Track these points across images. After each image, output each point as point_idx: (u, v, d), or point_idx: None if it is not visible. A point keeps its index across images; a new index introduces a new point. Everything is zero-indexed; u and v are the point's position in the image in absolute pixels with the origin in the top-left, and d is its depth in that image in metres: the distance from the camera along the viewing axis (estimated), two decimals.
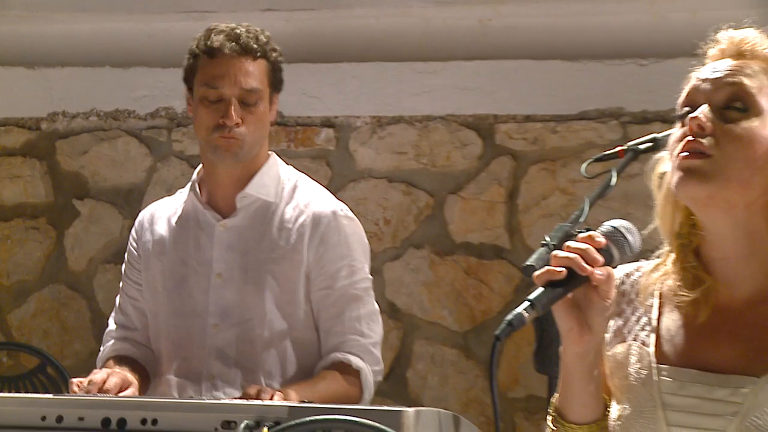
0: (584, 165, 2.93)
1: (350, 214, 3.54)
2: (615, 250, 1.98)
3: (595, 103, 4.37)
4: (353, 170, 4.58)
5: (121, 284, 3.68)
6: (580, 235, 2.00)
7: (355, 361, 3.39)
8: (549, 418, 2.12)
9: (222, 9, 4.49)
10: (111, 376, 3.24)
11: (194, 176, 3.60)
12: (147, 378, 3.56)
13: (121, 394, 3.26)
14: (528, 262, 3.00)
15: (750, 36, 2.07)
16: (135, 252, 3.63)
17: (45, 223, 4.89)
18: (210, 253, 3.50)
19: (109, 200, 4.80)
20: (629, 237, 2.00)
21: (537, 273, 1.97)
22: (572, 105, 4.39)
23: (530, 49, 4.43)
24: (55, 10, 4.80)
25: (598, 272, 1.95)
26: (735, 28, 2.09)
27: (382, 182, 4.56)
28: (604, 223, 2.02)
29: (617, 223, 2.02)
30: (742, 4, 2.19)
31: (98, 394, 3.19)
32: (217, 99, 3.41)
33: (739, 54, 2.04)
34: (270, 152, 3.60)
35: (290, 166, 3.64)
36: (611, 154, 2.94)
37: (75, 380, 3.22)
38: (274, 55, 3.49)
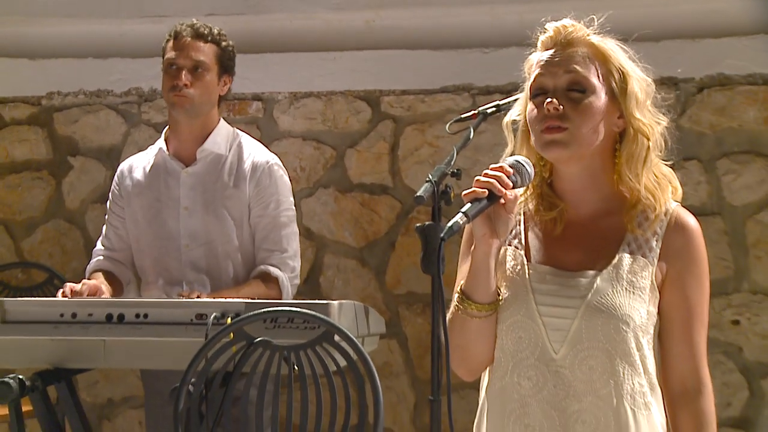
0: (448, 125, 2.86)
1: (279, 162, 3.61)
2: (518, 177, 2.00)
3: (452, 80, 4.40)
4: (277, 132, 4.58)
5: (106, 217, 3.71)
6: (494, 165, 2.00)
7: (274, 271, 3.46)
8: (456, 297, 2.08)
9: (175, 14, 4.37)
10: (87, 283, 3.29)
11: (162, 136, 3.64)
12: (120, 285, 3.62)
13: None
14: (417, 193, 3.06)
15: (569, 24, 2.07)
16: (118, 193, 3.66)
17: (47, 174, 4.83)
18: (177, 191, 3.55)
19: (95, 157, 4.77)
20: (528, 168, 2.02)
21: (466, 191, 1.95)
22: (435, 82, 4.42)
23: (404, 42, 4.44)
24: (49, 15, 4.73)
25: (509, 193, 1.96)
26: (555, 20, 2.09)
27: (298, 140, 4.56)
28: (509, 158, 2.05)
29: (518, 157, 2.04)
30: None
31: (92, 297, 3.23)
32: (174, 67, 3.48)
33: (567, 42, 2.05)
34: (220, 118, 3.64)
35: (234, 128, 3.68)
36: (467, 117, 2.90)
37: (61, 290, 3.27)
38: (224, 43, 3.55)
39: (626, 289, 2.01)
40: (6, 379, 2.85)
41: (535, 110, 2.05)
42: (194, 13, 4.40)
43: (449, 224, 1.90)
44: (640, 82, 2.08)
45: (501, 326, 2.07)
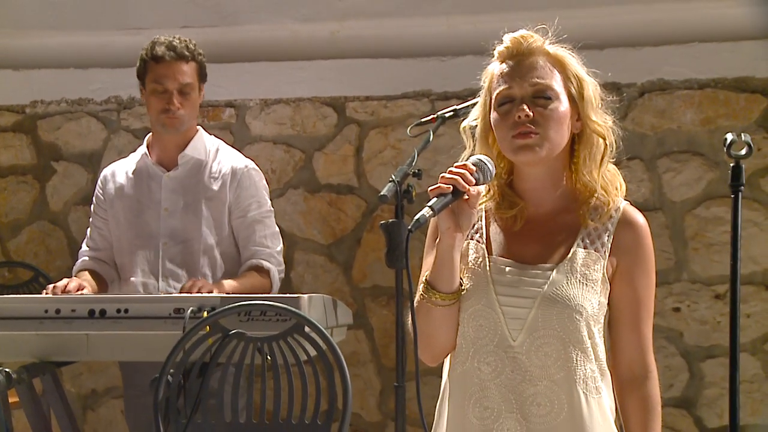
0: (409, 128, 2.87)
1: (256, 167, 3.61)
2: (480, 175, 1.99)
3: (412, 86, 4.36)
4: (249, 136, 4.53)
5: (90, 219, 3.68)
6: (458, 163, 2.00)
7: (266, 264, 3.46)
8: (421, 286, 2.07)
9: (152, 26, 4.34)
10: (70, 282, 3.26)
11: (144, 143, 3.62)
12: (104, 283, 3.58)
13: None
14: (381, 193, 2.96)
15: (527, 35, 2.06)
16: (101, 197, 3.63)
17: (31, 179, 4.77)
18: (159, 194, 3.53)
19: (77, 161, 4.71)
20: (489, 166, 2.02)
21: (432, 187, 1.94)
22: (397, 88, 4.38)
23: (367, 51, 4.39)
24: (33, 28, 4.66)
25: (472, 189, 1.96)
26: (511, 31, 2.08)
27: (269, 144, 4.51)
28: (472, 157, 2.04)
29: (481, 156, 2.04)
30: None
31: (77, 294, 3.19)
32: (163, 91, 3.44)
33: (526, 51, 2.04)
34: (198, 126, 3.63)
35: (212, 135, 3.67)
36: (426, 120, 2.88)
37: (48, 288, 3.24)
38: (200, 57, 3.52)
39: (580, 281, 2.02)
40: None
41: (503, 119, 2.05)
42: (170, 25, 4.39)
43: (416, 217, 1.89)
44: (593, 86, 2.10)
45: (463, 315, 2.07)
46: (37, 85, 4.74)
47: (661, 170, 4.14)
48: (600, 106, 2.10)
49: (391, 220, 3.16)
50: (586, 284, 2.02)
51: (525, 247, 2.08)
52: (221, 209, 3.51)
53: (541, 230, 2.10)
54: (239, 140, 4.49)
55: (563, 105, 2.03)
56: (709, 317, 4.11)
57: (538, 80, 2.03)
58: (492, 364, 2.04)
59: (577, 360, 2.01)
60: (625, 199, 2.11)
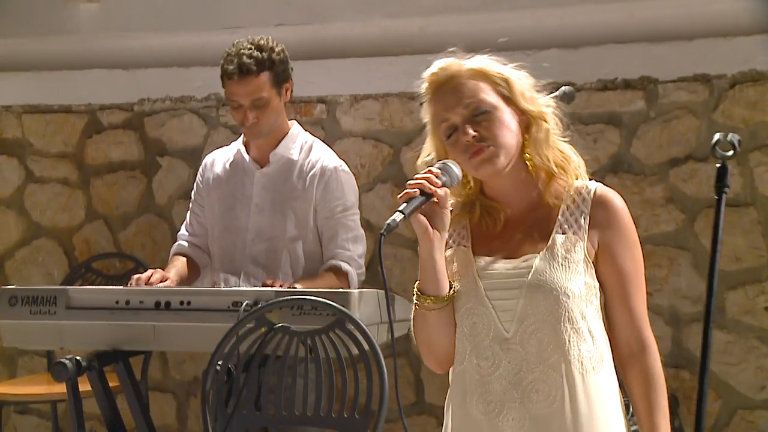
0: None
1: (346, 168, 3.63)
2: (446, 176, 2.06)
3: None
4: (339, 131, 4.59)
5: (190, 205, 3.79)
6: (423, 169, 2.08)
7: (344, 266, 3.49)
8: (414, 296, 2.14)
9: (248, 25, 4.42)
10: (154, 273, 3.38)
11: (241, 137, 3.71)
12: (197, 268, 3.69)
13: (159, 285, 3.34)
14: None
15: (442, 65, 2.17)
16: (201, 184, 3.75)
17: (139, 173, 4.95)
18: (251, 190, 3.60)
19: (180, 157, 4.87)
20: (454, 168, 2.08)
21: (400, 194, 2.03)
22: None
23: (453, 46, 4.35)
24: (138, 30, 4.86)
25: (439, 190, 2.03)
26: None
27: (358, 139, 4.56)
28: (437, 162, 2.11)
29: (445, 160, 2.10)
30: None
31: (146, 286, 3.30)
32: (237, 106, 3.50)
33: (448, 78, 2.13)
34: (293, 121, 3.67)
35: (307, 132, 3.71)
36: None
37: (132, 278, 3.38)
38: (275, 64, 3.48)
39: (561, 264, 2.07)
40: (63, 360, 2.96)
41: (455, 147, 2.11)
42: (265, 24, 4.54)
43: (387, 222, 1.98)
44: (519, 79, 2.15)
45: (457, 315, 2.13)
46: (144, 83, 4.93)
47: (753, 164, 4.01)
48: (532, 93, 2.15)
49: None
50: (568, 267, 2.07)
51: (507, 243, 2.14)
52: (307, 208, 3.55)
53: (520, 227, 2.16)
54: (330, 135, 4.57)
55: (501, 111, 2.10)
56: None
57: (469, 100, 2.10)
58: (490, 358, 2.08)
59: (569, 341, 2.05)
60: (596, 182, 2.16)
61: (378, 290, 3.11)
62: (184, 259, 3.69)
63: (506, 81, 2.13)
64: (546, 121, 2.14)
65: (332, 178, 3.56)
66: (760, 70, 3.97)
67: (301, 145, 3.63)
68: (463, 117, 2.10)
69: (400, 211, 2.00)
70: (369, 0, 4.52)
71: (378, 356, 2.64)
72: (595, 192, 2.14)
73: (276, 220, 3.55)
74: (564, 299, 2.04)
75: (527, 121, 2.14)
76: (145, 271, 4.39)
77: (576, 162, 2.17)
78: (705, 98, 4.04)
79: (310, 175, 3.56)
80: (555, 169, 2.13)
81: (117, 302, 3.12)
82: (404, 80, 4.34)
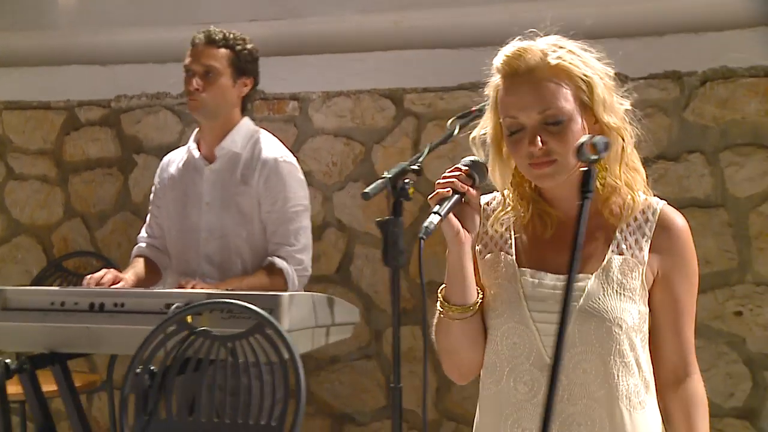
0: (449, 121, 2.71)
1: (289, 158, 3.56)
2: (475, 174, 1.96)
3: (468, 77, 4.18)
4: (312, 129, 4.55)
5: (150, 207, 3.80)
6: (452, 167, 1.96)
7: (280, 262, 3.43)
8: (438, 303, 2.01)
9: (223, 20, 4.25)
10: (106, 274, 3.37)
11: (193, 134, 3.71)
12: (157, 269, 3.69)
13: (113, 286, 3.34)
14: (365, 190, 3.01)
15: (523, 48, 1.95)
16: (158, 185, 3.76)
17: (116, 171, 4.95)
18: (201, 188, 3.59)
19: (156, 154, 4.75)
20: (483, 164, 1.98)
21: (431, 195, 1.92)
22: (453, 80, 4.28)
23: (425, 42, 4.35)
24: (115, 24, 4.84)
25: (472, 190, 1.92)
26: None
27: (330, 137, 4.53)
28: (464, 158, 1.99)
29: (473, 157, 2.00)
30: None
31: (93, 287, 3.31)
32: (188, 73, 3.52)
33: (527, 70, 1.92)
34: (244, 117, 3.64)
35: (258, 127, 3.66)
36: (465, 114, 2.66)
37: (85, 278, 3.39)
38: (238, 47, 3.52)
39: (617, 291, 1.93)
40: None
41: (516, 147, 1.95)
42: (239, 19, 4.53)
43: (425, 224, 1.86)
44: (603, 80, 1.95)
45: (496, 332, 2.00)
46: (121, 79, 4.93)
47: (724, 164, 3.90)
48: (613, 98, 1.97)
49: (386, 218, 3.14)
50: (623, 294, 1.93)
51: (557, 255, 1.97)
52: (251, 203, 3.52)
53: (572, 237, 1.94)
54: (303, 133, 4.55)
55: (576, 122, 1.92)
56: None
57: (545, 106, 1.91)
58: (528, 383, 1.97)
59: (618, 375, 1.93)
60: (661, 200, 2.01)
61: (313, 293, 3.08)
62: (142, 260, 3.68)
63: (589, 85, 1.93)
64: (623, 138, 1.96)
65: (273, 170, 3.51)
66: (730, 67, 3.87)
67: (248, 138, 3.60)
68: (535, 122, 1.92)
69: (436, 213, 1.88)
70: None
71: (296, 362, 2.59)
72: (660, 213, 1.99)
73: (225, 217, 3.53)
74: (617, 330, 1.92)
75: (601, 131, 1.93)
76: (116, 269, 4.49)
77: (643, 175, 2.01)
78: (676, 96, 3.94)
79: (252, 167, 3.53)
80: (623, 186, 1.98)
81: (52, 303, 3.11)
82: (375, 77, 4.46)
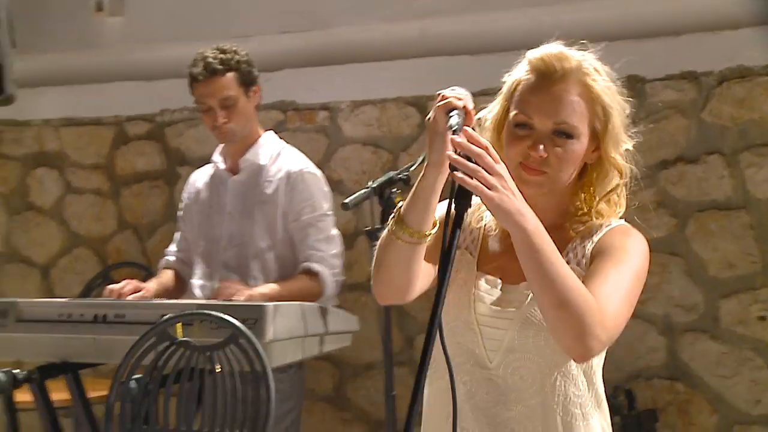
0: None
1: (313, 170, 3.66)
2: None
3: (491, 83, 4.22)
4: (342, 138, 4.62)
5: (177, 222, 3.94)
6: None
7: (315, 266, 3.51)
8: (392, 220, 1.89)
9: (257, 33, 4.59)
10: (127, 284, 3.48)
11: (219, 149, 3.83)
12: (183, 282, 3.80)
13: (130, 297, 3.43)
14: (346, 201, 3.03)
15: (563, 55, 1.92)
16: (185, 200, 3.88)
17: (162, 183, 5.12)
18: (225, 198, 3.71)
19: (197, 166, 4.62)
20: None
21: (439, 103, 1.81)
22: (474, 85, 4.20)
23: (449, 50, 4.37)
24: (157, 41, 5.01)
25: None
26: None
27: (358, 146, 4.59)
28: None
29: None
30: None
31: (108, 298, 3.41)
32: (207, 109, 3.63)
33: (560, 77, 1.90)
34: (267, 131, 3.75)
35: (282, 140, 3.76)
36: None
37: (106, 288, 3.51)
38: (238, 62, 3.60)
39: None
40: None
41: (515, 141, 1.93)
42: (271, 32, 4.68)
43: (450, 123, 1.76)
44: (620, 115, 1.95)
45: (444, 328, 1.91)
46: (164, 94, 5.09)
47: (744, 165, 3.83)
48: (623, 139, 1.97)
49: (376, 227, 3.19)
50: None
51: (512, 263, 1.91)
52: (274, 212, 3.61)
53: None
54: (333, 142, 4.63)
55: (582, 144, 1.92)
56: None
57: (562, 119, 1.90)
58: (467, 384, 1.97)
59: (557, 385, 1.92)
60: (620, 221, 1.99)
61: (303, 303, 3.13)
62: (171, 272, 3.82)
63: (607, 114, 1.93)
64: (621, 176, 1.97)
65: (298, 181, 3.60)
66: (747, 66, 3.79)
67: (270, 151, 3.70)
68: (545, 129, 1.90)
69: (456, 114, 1.77)
70: (368, 4, 4.55)
71: (267, 374, 2.67)
72: (613, 226, 1.97)
73: (245, 225, 3.62)
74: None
75: (599, 162, 1.96)
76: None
77: (622, 210, 2.00)
78: (693, 96, 3.88)
79: (276, 179, 3.62)
80: (594, 215, 1.97)
81: (60, 315, 3.23)
82: (399, 85, 4.53)
